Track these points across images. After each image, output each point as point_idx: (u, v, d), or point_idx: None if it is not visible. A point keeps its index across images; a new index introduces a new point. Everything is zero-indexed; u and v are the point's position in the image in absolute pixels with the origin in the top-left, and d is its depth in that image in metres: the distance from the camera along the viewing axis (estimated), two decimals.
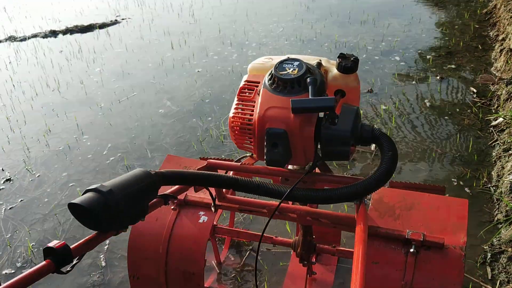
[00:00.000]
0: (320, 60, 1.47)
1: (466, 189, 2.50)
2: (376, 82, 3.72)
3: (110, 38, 5.46)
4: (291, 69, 1.34)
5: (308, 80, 1.29)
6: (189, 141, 3.20)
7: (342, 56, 1.41)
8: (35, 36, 5.76)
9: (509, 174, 2.44)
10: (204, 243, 1.65)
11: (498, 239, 2.17)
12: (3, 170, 3.10)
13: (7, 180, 2.99)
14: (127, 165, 2.99)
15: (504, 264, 2.04)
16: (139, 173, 1.16)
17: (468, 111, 3.21)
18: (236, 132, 1.40)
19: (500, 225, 2.25)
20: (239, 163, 1.52)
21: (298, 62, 1.35)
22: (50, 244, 0.98)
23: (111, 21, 5.97)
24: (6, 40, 5.74)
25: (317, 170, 1.48)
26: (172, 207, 1.70)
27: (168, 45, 5.01)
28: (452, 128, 3.04)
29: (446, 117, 3.17)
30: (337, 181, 1.39)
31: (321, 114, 1.28)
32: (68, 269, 1.03)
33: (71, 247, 1.01)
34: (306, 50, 4.47)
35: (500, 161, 2.64)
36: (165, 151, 3.07)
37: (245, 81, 1.46)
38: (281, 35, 4.95)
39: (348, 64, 1.39)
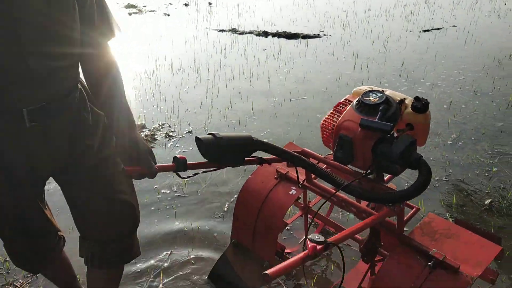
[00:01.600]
0: (405, 98, 1.89)
1: None
2: None
3: (307, 48, 6.29)
4: (374, 98, 1.80)
5: (381, 107, 1.74)
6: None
7: (416, 98, 1.82)
8: (251, 32, 6.95)
9: None
10: (285, 208, 2.18)
11: None
12: (189, 124, 4.12)
13: (188, 132, 3.99)
14: None
15: None
16: (245, 136, 1.77)
17: None
18: (324, 132, 1.93)
19: None
20: (323, 157, 2.04)
21: (381, 94, 1.80)
22: (177, 155, 1.67)
23: (314, 34, 6.81)
24: (229, 30, 7.08)
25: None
26: (275, 177, 2.30)
27: (351, 65, 5.60)
28: None
29: None
30: (380, 188, 1.82)
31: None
32: (189, 175, 1.71)
33: (188, 162, 1.69)
34: (474, 102, 4.57)
35: None
36: (305, 146, 3.66)
37: (344, 99, 1.98)
38: (458, 82, 5.09)
39: (418, 105, 1.79)
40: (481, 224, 2.85)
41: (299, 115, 4.30)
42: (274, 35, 6.83)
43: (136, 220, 1.83)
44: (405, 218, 1.98)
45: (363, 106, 1.78)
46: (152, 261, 2.48)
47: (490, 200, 3.09)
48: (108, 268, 1.79)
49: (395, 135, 1.76)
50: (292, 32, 6.90)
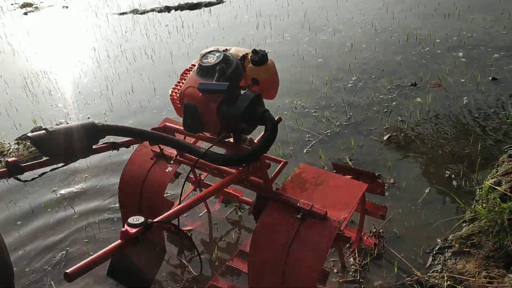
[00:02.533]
0: (247, 53, 1.81)
1: (454, 182, 2.60)
2: (425, 77, 3.76)
3: (211, 16, 6.12)
4: (212, 58, 1.71)
5: (217, 68, 1.66)
6: None
7: (254, 51, 1.74)
8: (153, 10, 6.70)
9: (491, 178, 2.49)
10: (164, 186, 2.10)
11: (454, 235, 2.29)
12: (89, 118, 3.93)
13: None
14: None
15: (445, 257, 2.18)
16: (85, 123, 1.64)
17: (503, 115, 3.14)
18: (175, 104, 1.84)
19: (464, 224, 2.35)
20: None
21: (219, 54, 1.72)
22: (8, 159, 1.54)
23: (217, 0, 6.63)
24: (130, 12, 6.79)
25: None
26: (151, 157, 2.21)
27: (254, 26, 5.49)
28: (476, 130, 3.04)
29: (473, 120, 3.16)
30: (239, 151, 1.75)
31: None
32: (33, 177, 1.58)
33: (22, 165, 1.55)
34: (375, 40, 4.59)
35: (500, 166, 2.65)
36: None
37: (191, 65, 1.88)
38: (360, 23, 5.10)
39: (256, 58, 1.72)
40: (380, 160, 2.88)
41: None
42: (177, 8, 6.61)
43: (12, 277, 1.71)
44: (273, 174, 1.95)
45: (202, 69, 1.70)
46: (46, 266, 2.37)
47: (388, 135, 3.12)
48: None
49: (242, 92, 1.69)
50: (195, 2, 6.70)
